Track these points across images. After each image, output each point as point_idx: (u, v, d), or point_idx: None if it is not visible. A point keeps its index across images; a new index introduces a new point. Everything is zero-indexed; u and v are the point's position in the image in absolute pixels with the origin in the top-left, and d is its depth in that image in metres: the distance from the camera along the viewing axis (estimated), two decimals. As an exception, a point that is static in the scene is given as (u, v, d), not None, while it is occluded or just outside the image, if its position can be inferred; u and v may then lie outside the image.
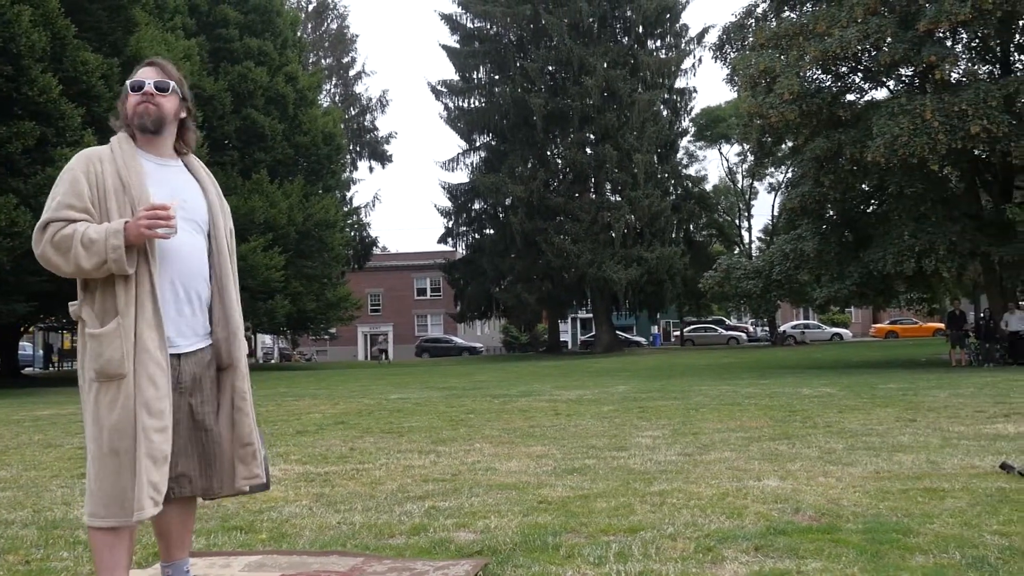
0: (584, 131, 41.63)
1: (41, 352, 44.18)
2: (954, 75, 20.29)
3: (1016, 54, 20.97)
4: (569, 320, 58.80)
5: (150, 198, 2.59)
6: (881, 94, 22.48)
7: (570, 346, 55.41)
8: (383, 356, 48.73)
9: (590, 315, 48.75)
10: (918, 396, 11.09)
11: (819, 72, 21.83)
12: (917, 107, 18.36)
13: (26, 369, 37.05)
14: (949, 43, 20.21)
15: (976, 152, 19.59)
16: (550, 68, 42.42)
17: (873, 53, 20.49)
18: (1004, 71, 20.47)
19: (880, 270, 20.06)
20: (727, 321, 57.81)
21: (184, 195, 2.71)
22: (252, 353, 48.18)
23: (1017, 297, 23.00)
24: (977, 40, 20.51)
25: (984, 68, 20.92)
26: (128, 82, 2.73)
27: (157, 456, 2.49)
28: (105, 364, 2.51)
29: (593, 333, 48.00)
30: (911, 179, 20.44)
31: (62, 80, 20.58)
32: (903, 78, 21.83)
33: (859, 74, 22.23)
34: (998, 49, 20.80)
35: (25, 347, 40.95)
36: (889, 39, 19.78)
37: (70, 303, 2.68)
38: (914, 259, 19.35)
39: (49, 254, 2.52)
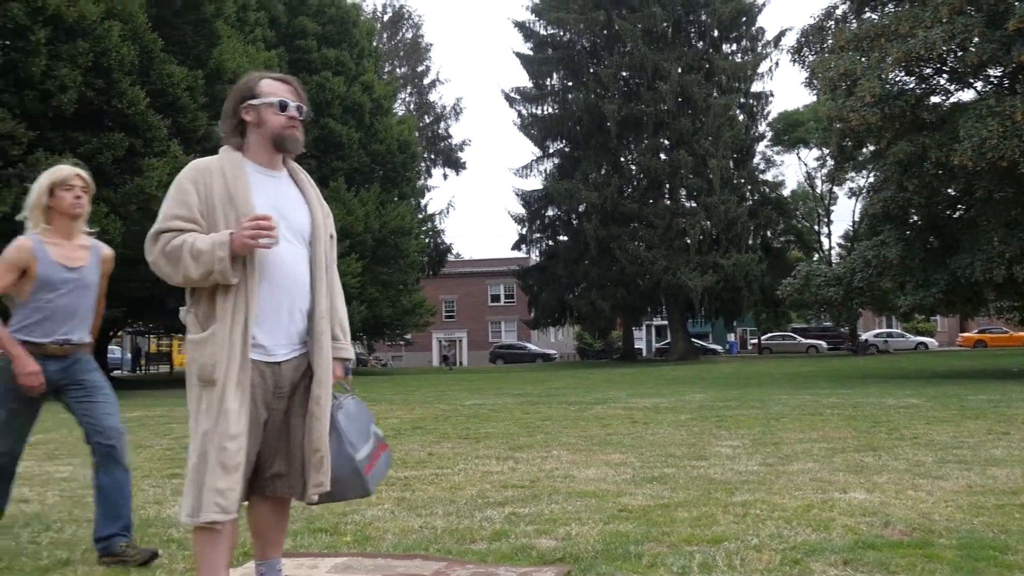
0: (658, 137, 41.30)
1: (129, 356, 45.67)
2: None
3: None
4: (644, 327, 58.34)
5: (253, 209, 2.67)
6: (968, 96, 21.78)
7: (644, 353, 54.96)
8: (446, 363, 49.05)
9: (665, 322, 48.30)
10: (1011, 408, 10.68)
11: (902, 74, 21.23)
12: (1007, 109, 17.70)
13: (114, 372, 38.33)
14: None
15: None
16: (624, 74, 42.21)
17: (959, 54, 19.83)
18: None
19: (968, 277, 19.38)
20: (840, 329, 55.14)
21: (287, 206, 2.81)
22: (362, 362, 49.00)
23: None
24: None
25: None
26: (277, 100, 2.79)
27: (228, 464, 2.56)
28: (200, 369, 2.62)
29: (668, 340, 47.51)
30: (1000, 183, 19.71)
31: (149, 92, 21.31)
32: (991, 79, 21.07)
33: (944, 75, 21.56)
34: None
35: (114, 351, 42.39)
36: (976, 39, 19.12)
37: (181, 308, 2.78)
38: (1004, 266, 18.64)
39: (160, 263, 2.63)
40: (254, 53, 26.53)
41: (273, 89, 2.82)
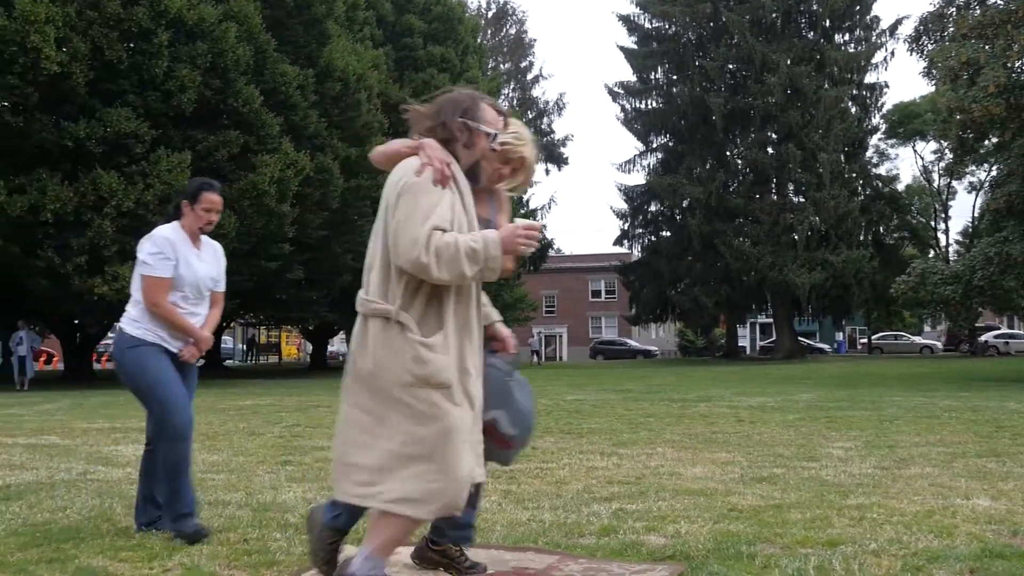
0: (766, 130, 40.39)
1: (243, 346, 47.38)
2: None
3: None
4: (748, 325, 57.19)
5: (475, 221, 2.78)
6: (1101, 85, 20.50)
7: (748, 351, 53.90)
8: (535, 357, 48.97)
9: (770, 320, 47.26)
10: None
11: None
12: None
13: (227, 362, 39.85)
14: None
15: None
16: (730, 66, 41.44)
17: (1092, 39, 18.76)
18: None
19: None
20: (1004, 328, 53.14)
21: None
22: None
23: None
24: None
25: None
26: (494, 132, 2.83)
27: (467, 466, 2.69)
28: (432, 373, 2.64)
29: (773, 339, 46.46)
30: None
31: (263, 91, 22.04)
32: None
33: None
34: None
35: (226, 340, 44.06)
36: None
37: (363, 296, 2.76)
38: None
39: (430, 262, 2.57)
40: (362, 52, 27.12)
41: (492, 120, 2.85)
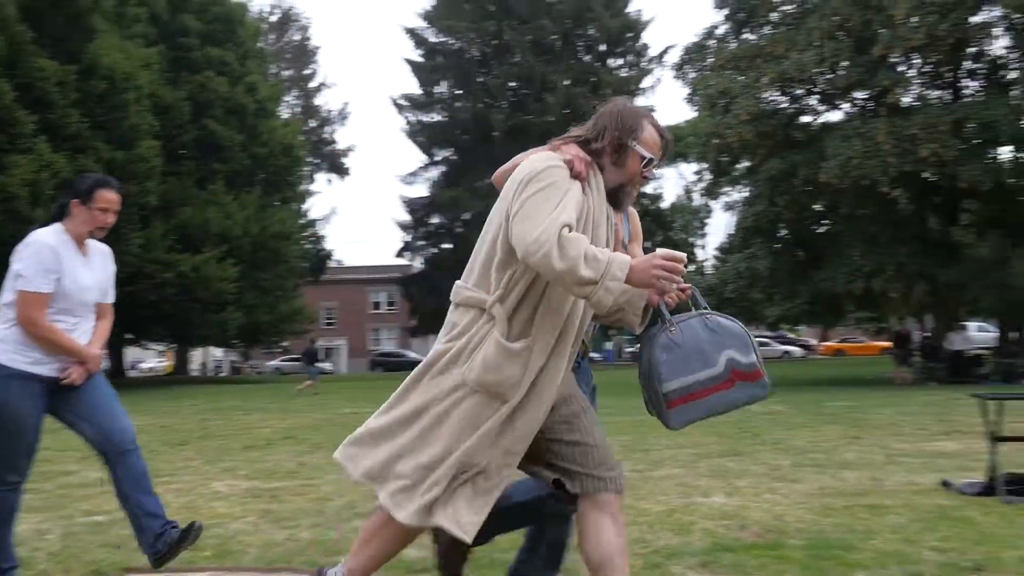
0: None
1: None
2: (906, 100, 20.76)
3: (966, 80, 21.49)
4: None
5: (607, 239, 2.54)
6: (836, 116, 22.92)
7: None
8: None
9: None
10: (864, 414, 11.28)
11: (776, 94, 22.19)
12: (870, 130, 18.72)
13: None
14: (902, 68, 20.66)
15: (925, 175, 20.01)
16: (512, 84, 42.60)
17: (829, 76, 20.88)
18: (954, 96, 20.97)
19: (830, 289, 20.40)
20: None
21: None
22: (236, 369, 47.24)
23: (960, 318, 23.53)
24: (929, 66, 21.00)
25: (935, 93, 21.40)
26: (650, 157, 2.59)
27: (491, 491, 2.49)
28: (496, 382, 2.43)
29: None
30: (862, 201, 20.84)
31: (16, 86, 20.23)
32: (857, 101, 22.25)
33: (815, 97, 22.64)
34: (949, 75, 21.30)
35: None
36: (845, 63, 20.19)
37: (460, 284, 2.60)
38: (863, 279, 19.69)
39: (552, 251, 2.30)
40: (132, 49, 25.54)
41: (653, 143, 2.61)
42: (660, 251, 2.37)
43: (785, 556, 3.65)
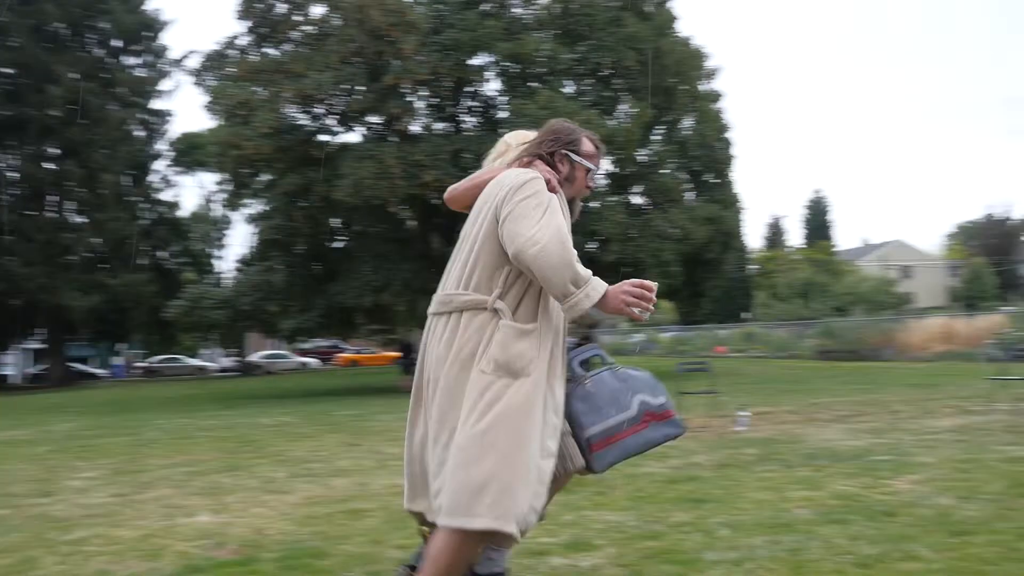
0: (44, 144, 37.59)
1: None
2: (415, 128, 22.33)
3: (464, 115, 23.72)
4: (15, 351, 52.12)
5: None
6: (353, 138, 23.82)
7: (20, 380, 49.09)
8: None
9: (45, 345, 43.82)
10: (367, 421, 11.83)
11: (297, 110, 22.45)
12: (381, 153, 19.81)
13: None
14: (411, 99, 22.17)
15: (428, 199, 21.67)
16: (9, 71, 37.61)
17: (346, 99, 21.68)
18: (456, 129, 23.05)
19: (342, 303, 21.17)
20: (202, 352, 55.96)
21: None
22: None
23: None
24: (435, 99, 22.83)
25: (440, 125, 23.31)
26: (594, 167, 2.92)
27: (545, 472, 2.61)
28: (510, 358, 2.59)
29: (46, 366, 43.16)
30: (374, 219, 21.96)
31: None
32: (371, 125, 23.37)
33: (333, 117, 23.31)
34: (451, 109, 23.36)
35: None
36: (361, 87, 21.12)
37: (450, 292, 2.75)
38: (373, 293, 20.74)
39: (553, 244, 2.56)
40: None
41: (592, 153, 2.91)
42: (631, 280, 2.66)
43: (257, 571, 3.63)
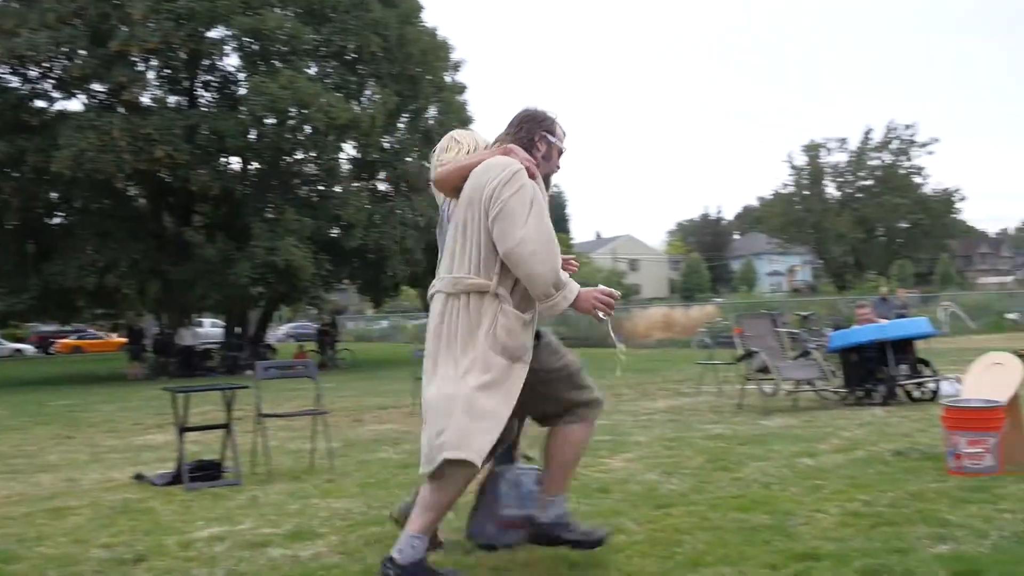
0: None
1: None
2: (145, 99, 20.95)
3: (201, 90, 22.54)
4: None
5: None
6: (74, 105, 21.93)
7: None
8: None
9: None
10: (85, 412, 11.09)
11: (7, 71, 20.38)
12: (106, 124, 18.43)
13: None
14: (141, 67, 20.76)
15: (160, 175, 20.46)
16: None
17: (66, 63, 19.98)
18: (191, 103, 21.84)
19: (61, 284, 19.53)
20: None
21: None
22: None
23: (192, 314, 24.72)
24: (168, 70, 21.51)
25: (174, 98, 21.97)
26: (564, 147, 3.25)
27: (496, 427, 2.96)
28: (516, 346, 2.94)
29: None
30: (97, 194, 20.45)
31: None
32: (94, 93, 21.65)
33: (51, 81, 21.36)
34: (186, 82, 22.11)
35: None
36: (83, 52, 19.53)
37: (452, 275, 3.02)
38: (97, 275, 19.28)
39: (543, 249, 2.92)
40: None
41: (563, 136, 3.22)
42: (600, 287, 3.03)
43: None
